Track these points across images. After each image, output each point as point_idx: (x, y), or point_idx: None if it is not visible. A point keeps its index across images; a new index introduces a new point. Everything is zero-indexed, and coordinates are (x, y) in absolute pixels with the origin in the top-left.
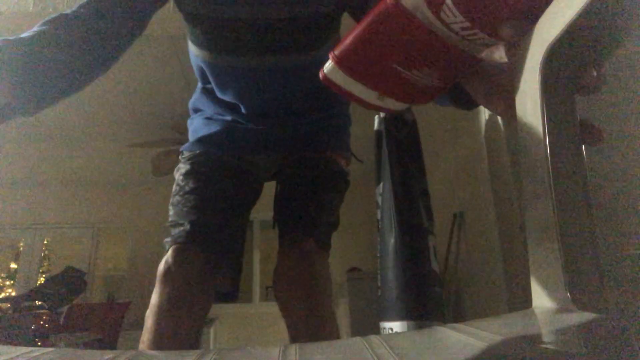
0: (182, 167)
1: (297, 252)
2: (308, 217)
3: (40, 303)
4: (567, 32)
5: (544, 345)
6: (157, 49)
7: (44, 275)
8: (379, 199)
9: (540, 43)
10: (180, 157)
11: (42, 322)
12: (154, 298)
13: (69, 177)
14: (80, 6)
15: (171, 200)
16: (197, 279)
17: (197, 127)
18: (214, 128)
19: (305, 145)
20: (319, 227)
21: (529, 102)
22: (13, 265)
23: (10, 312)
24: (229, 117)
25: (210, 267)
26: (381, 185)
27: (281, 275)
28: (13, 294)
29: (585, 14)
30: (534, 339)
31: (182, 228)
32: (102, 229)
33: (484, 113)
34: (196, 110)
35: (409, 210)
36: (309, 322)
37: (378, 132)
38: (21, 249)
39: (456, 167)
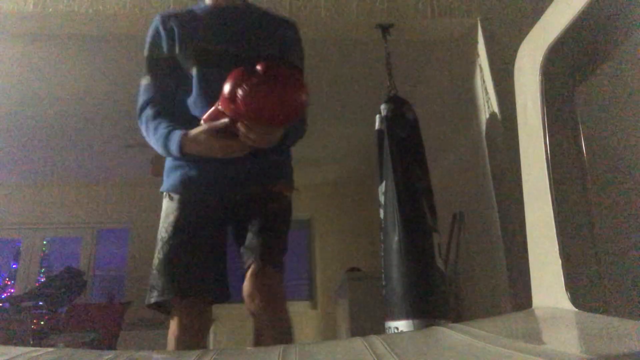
0: (169, 214)
1: (260, 278)
2: (265, 250)
3: (40, 303)
4: (567, 32)
5: (544, 345)
6: None
7: (44, 275)
8: (382, 198)
9: (540, 43)
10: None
11: (42, 322)
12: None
13: (69, 177)
14: (146, 108)
15: (159, 248)
16: (198, 321)
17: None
18: (181, 173)
19: (258, 181)
20: (274, 256)
21: (529, 102)
22: (13, 266)
23: (10, 312)
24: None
25: (205, 302)
26: (384, 184)
27: (249, 295)
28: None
29: (585, 14)
30: (534, 339)
31: (174, 283)
32: (102, 229)
33: (484, 113)
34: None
35: (412, 208)
36: (273, 324)
37: (379, 132)
38: (21, 249)
39: (456, 167)
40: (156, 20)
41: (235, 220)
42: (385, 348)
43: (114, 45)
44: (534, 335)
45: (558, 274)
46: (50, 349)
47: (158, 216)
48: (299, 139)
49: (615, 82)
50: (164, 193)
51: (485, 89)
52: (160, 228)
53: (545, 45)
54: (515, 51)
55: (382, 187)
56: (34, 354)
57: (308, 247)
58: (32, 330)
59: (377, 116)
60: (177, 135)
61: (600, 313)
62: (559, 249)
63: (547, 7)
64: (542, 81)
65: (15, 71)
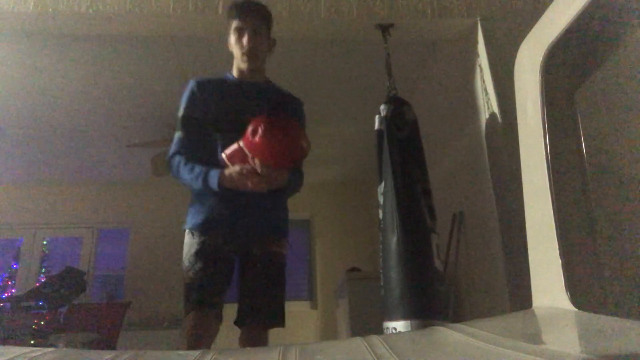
0: (191, 247)
1: (255, 336)
2: (265, 309)
3: (40, 303)
4: (567, 32)
5: (544, 345)
6: (157, 49)
7: (44, 275)
8: (381, 199)
9: (540, 43)
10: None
11: (42, 322)
12: (186, 330)
13: (69, 177)
14: (177, 155)
15: (185, 271)
16: (208, 329)
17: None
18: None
19: (262, 234)
20: (274, 315)
21: (529, 102)
22: (13, 266)
23: (10, 312)
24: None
25: (213, 318)
26: (383, 184)
27: (243, 344)
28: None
29: (585, 14)
30: (534, 339)
31: (195, 299)
32: (102, 229)
33: (484, 113)
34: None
35: (411, 209)
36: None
37: (379, 132)
38: (21, 249)
39: (456, 167)
40: (192, 85)
41: (240, 257)
42: (385, 348)
43: (114, 45)
44: (534, 335)
45: (558, 274)
46: (50, 349)
47: (158, 216)
48: (298, 190)
49: (615, 82)
50: (187, 230)
51: (485, 89)
52: (184, 258)
53: (545, 45)
54: (515, 51)
55: (381, 188)
56: (34, 354)
57: (308, 247)
58: (32, 330)
59: (377, 116)
60: (215, 173)
61: (600, 313)
62: (559, 249)
63: (547, 7)
64: (542, 81)
65: (15, 71)
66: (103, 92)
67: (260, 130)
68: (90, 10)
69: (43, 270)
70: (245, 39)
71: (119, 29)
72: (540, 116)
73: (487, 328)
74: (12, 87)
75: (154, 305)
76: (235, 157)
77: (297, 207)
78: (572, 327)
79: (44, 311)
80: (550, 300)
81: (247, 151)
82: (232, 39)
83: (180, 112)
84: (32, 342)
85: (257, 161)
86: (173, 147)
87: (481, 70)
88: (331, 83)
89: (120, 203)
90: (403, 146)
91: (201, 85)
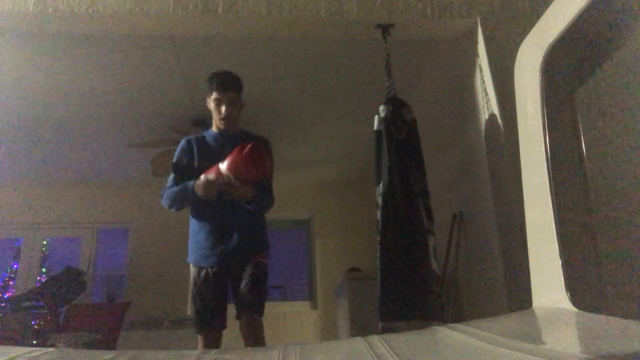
0: (194, 278)
1: (251, 322)
2: (254, 303)
3: (40, 303)
4: (567, 32)
5: (544, 345)
6: (157, 49)
7: (44, 275)
8: (379, 199)
9: (540, 43)
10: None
11: (42, 322)
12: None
13: (69, 177)
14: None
15: (192, 300)
16: (216, 342)
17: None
18: (201, 253)
19: (246, 252)
20: (259, 306)
21: (529, 102)
22: (14, 266)
23: (10, 312)
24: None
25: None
26: (381, 185)
27: (243, 332)
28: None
29: (585, 14)
30: (534, 339)
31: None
32: (102, 229)
33: (484, 113)
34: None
35: (408, 210)
36: (254, 342)
37: (378, 132)
38: (21, 249)
39: (456, 167)
40: (183, 142)
41: (233, 277)
42: (385, 348)
43: (114, 45)
44: (534, 335)
45: (558, 274)
46: (50, 349)
47: (158, 216)
48: (270, 207)
49: (615, 82)
50: (191, 263)
51: (485, 89)
52: (191, 286)
53: (545, 45)
54: (515, 51)
55: (379, 189)
56: (34, 354)
57: (308, 247)
58: (32, 330)
59: (376, 117)
60: (190, 183)
61: (600, 313)
62: (559, 249)
63: (547, 7)
64: (542, 81)
65: (15, 71)
66: (103, 92)
67: (233, 152)
68: (90, 10)
69: (44, 270)
70: (222, 109)
71: (119, 29)
72: (540, 116)
73: (487, 328)
74: (12, 87)
75: (154, 305)
76: (211, 172)
77: (297, 207)
78: (572, 327)
79: (44, 311)
80: (550, 300)
81: (222, 169)
82: (212, 105)
83: (173, 160)
84: (32, 342)
85: (230, 175)
86: (166, 185)
87: (481, 70)
88: (331, 83)
89: (120, 203)
90: (401, 148)
91: (189, 141)
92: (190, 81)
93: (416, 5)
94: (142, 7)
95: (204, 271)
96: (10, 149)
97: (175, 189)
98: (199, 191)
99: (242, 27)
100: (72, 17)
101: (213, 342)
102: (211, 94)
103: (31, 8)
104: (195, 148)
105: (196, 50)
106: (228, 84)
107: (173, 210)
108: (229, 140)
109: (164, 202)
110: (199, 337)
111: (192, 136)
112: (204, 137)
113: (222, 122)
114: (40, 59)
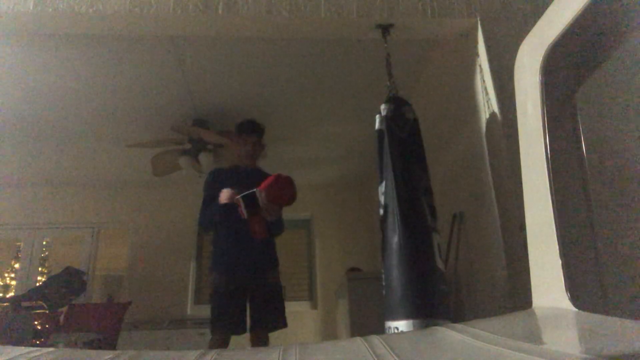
0: (214, 284)
1: (262, 336)
2: (264, 323)
3: (40, 303)
4: (567, 32)
5: (544, 345)
6: (157, 50)
7: (44, 275)
8: (382, 198)
9: (540, 43)
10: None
11: (42, 322)
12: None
13: (69, 177)
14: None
15: (211, 304)
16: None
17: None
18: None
19: (260, 268)
20: (281, 321)
21: (529, 102)
22: (16, 265)
23: (10, 312)
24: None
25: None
26: (383, 184)
27: (253, 342)
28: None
29: (585, 14)
30: (534, 339)
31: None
32: (102, 229)
33: (484, 113)
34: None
35: (412, 208)
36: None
37: (380, 131)
38: (21, 249)
39: (456, 167)
40: (210, 173)
41: (250, 289)
42: (385, 348)
43: (114, 45)
44: (534, 335)
45: (558, 274)
46: (50, 349)
47: (158, 216)
48: (282, 232)
49: (615, 82)
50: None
51: (485, 89)
52: (211, 292)
53: (545, 45)
54: (515, 51)
55: (382, 187)
56: (34, 354)
57: (308, 247)
58: (32, 330)
59: (377, 116)
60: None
61: (600, 313)
62: (559, 249)
63: (547, 7)
64: (542, 81)
65: (15, 71)
66: (103, 92)
67: (270, 178)
68: (90, 10)
69: (45, 270)
70: (245, 149)
71: (119, 29)
72: (540, 116)
73: (487, 328)
74: (12, 87)
75: (154, 305)
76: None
77: (297, 207)
78: (572, 327)
79: (44, 311)
80: (550, 300)
81: (258, 192)
82: (239, 146)
83: (204, 188)
84: (32, 342)
85: (263, 193)
86: (201, 210)
87: (481, 70)
88: (331, 83)
89: (120, 203)
90: (404, 145)
91: (214, 173)
92: (190, 81)
93: (416, 5)
94: (142, 7)
95: (224, 277)
96: (10, 149)
97: (206, 210)
98: (224, 198)
99: (242, 27)
100: (72, 17)
101: (226, 343)
102: (240, 135)
103: (31, 8)
104: (220, 178)
105: (196, 50)
106: (253, 129)
107: (205, 230)
108: (248, 176)
109: (200, 223)
110: (213, 340)
111: (216, 169)
112: (226, 172)
113: (246, 160)
114: (40, 59)
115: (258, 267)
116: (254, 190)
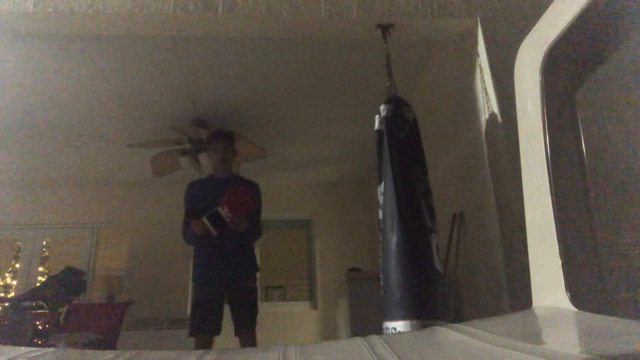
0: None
1: (247, 335)
2: (245, 322)
3: (40, 303)
4: (567, 32)
5: (544, 345)
6: (157, 50)
7: (44, 275)
8: (381, 199)
9: (540, 43)
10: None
11: (42, 322)
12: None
13: (69, 177)
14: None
15: (191, 308)
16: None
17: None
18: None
19: (237, 274)
20: (249, 323)
21: (529, 102)
22: (16, 265)
23: (10, 312)
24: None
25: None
26: (382, 184)
27: (240, 342)
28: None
29: (585, 14)
30: (534, 339)
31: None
32: (102, 229)
33: (484, 113)
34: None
35: (411, 209)
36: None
37: (379, 132)
38: (21, 249)
39: (456, 167)
40: (187, 186)
41: (229, 295)
42: (385, 348)
43: (114, 45)
44: (534, 335)
45: (558, 274)
46: (50, 349)
47: (158, 216)
48: (258, 238)
49: (615, 82)
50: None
51: (485, 89)
52: (191, 299)
53: (545, 45)
54: (515, 51)
55: (381, 188)
56: (34, 354)
57: (308, 247)
58: (32, 330)
59: (377, 116)
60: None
61: (600, 313)
62: (559, 249)
63: (547, 7)
64: (542, 81)
65: (15, 71)
66: (103, 92)
67: (228, 193)
68: (90, 10)
69: (45, 270)
70: (217, 156)
71: (119, 29)
72: (540, 116)
73: (487, 328)
74: (12, 87)
75: (154, 305)
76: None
77: (297, 207)
78: (572, 327)
79: (44, 311)
80: (550, 300)
81: (220, 208)
82: (211, 153)
83: (184, 203)
84: (32, 342)
85: (225, 208)
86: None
87: (481, 70)
88: (331, 83)
89: (120, 203)
90: (403, 146)
91: (191, 185)
92: (190, 81)
93: (416, 5)
94: (142, 7)
95: (203, 286)
96: (10, 149)
97: (184, 223)
98: (194, 230)
99: (242, 27)
100: (72, 17)
101: (207, 343)
102: (210, 145)
103: (31, 8)
104: (196, 192)
105: (196, 50)
106: (221, 137)
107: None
108: (225, 183)
109: (183, 238)
110: (194, 340)
111: (193, 181)
112: (203, 182)
113: (218, 166)
114: (40, 59)
115: (236, 276)
116: (216, 208)
